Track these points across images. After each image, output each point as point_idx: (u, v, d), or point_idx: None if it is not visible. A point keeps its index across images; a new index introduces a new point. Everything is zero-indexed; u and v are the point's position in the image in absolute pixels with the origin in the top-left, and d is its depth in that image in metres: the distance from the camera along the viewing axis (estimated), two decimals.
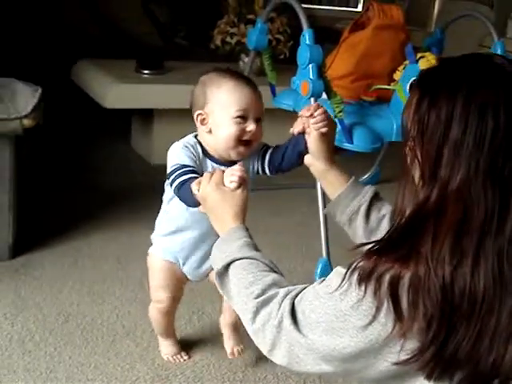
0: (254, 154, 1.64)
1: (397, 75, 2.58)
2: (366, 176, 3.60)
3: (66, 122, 3.78)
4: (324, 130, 1.47)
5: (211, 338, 2.04)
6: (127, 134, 3.93)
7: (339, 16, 5.66)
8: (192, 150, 1.57)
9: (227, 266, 1.23)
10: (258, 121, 1.56)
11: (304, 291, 1.11)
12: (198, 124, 1.58)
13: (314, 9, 5.63)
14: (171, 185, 1.52)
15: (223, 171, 1.36)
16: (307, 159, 1.52)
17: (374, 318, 0.99)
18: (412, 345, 0.97)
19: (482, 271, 0.95)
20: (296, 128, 1.52)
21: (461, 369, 0.97)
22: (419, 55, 2.47)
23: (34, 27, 3.97)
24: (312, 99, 2.37)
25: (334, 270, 1.09)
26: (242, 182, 1.34)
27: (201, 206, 1.39)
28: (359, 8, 6.12)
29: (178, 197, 1.52)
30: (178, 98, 3.45)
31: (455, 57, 1.08)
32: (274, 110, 2.84)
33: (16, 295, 2.18)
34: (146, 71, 3.58)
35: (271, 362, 1.16)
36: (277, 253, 2.47)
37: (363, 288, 1.00)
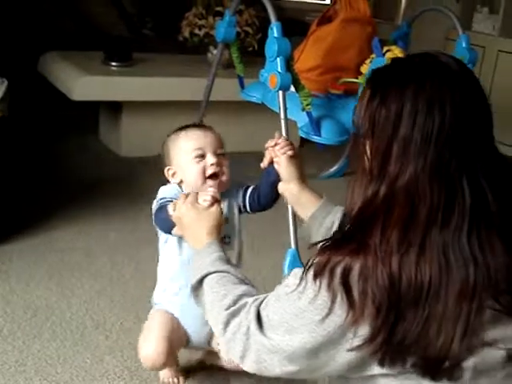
0: (236, 193, 1.73)
1: (364, 68, 2.61)
2: (333, 168, 3.63)
3: (33, 114, 3.75)
4: (290, 152, 1.57)
5: None
6: (95, 126, 3.91)
7: (308, 8, 5.67)
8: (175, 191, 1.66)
9: (201, 280, 1.27)
10: (217, 154, 1.66)
11: (268, 298, 1.15)
12: (170, 179, 1.69)
13: (282, 1, 5.64)
14: (153, 214, 1.62)
15: (197, 193, 1.44)
16: (281, 186, 1.60)
17: (330, 310, 1.03)
18: (364, 331, 1.01)
19: (427, 261, 0.99)
20: (265, 161, 1.61)
21: (411, 354, 1.01)
22: (386, 48, 2.50)
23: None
24: (280, 92, 2.39)
25: (292, 272, 1.14)
26: (215, 201, 1.42)
27: (176, 228, 1.47)
28: (328, 0, 6.15)
29: (155, 221, 1.61)
30: (146, 90, 3.45)
31: (404, 56, 1.14)
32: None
33: None
34: (113, 63, 3.56)
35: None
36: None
37: (318, 283, 1.04)
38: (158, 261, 2.39)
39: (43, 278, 2.28)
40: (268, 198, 1.69)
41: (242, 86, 2.97)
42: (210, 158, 1.65)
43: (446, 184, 1.00)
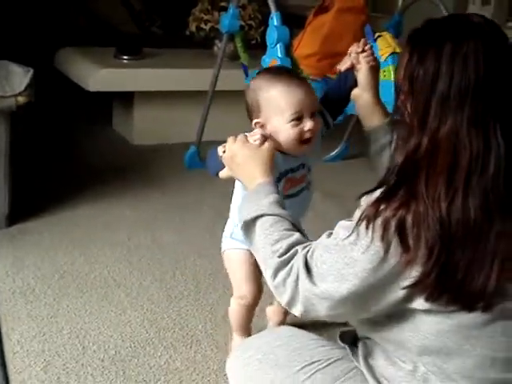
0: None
1: None
2: (334, 152, 3.84)
3: (51, 106, 3.97)
4: (374, 63, 1.63)
5: None
6: (109, 116, 4.14)
7: (309, 4, 5.88)
8: None
9: (255, 219, 1.30)
10: (313, 115, 1.57)
11: (313, 247, 1.22)
12: None
13: None
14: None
15: (245, 134, 1.44)
16: (356, 91, 1.65)
17: (383, 259, 1.12)
18: (417, 272, 1.11)
19: (471, 204, 1.08)
20: (344, 65, 1.65)
21: (456, 289, 1.11)
22: (377, 34, 2.72)
23: (18, 16, 4.16)
24: None
25: (338, 224, 1.22)
26: (265, 139, 1.42)
27: (223, 170, 1.47)
28: None
29: (206, 165, 1.57)
30: (156, 81, 3.68)
31: (440, 17, 1.22)
32: None
33: (15, 257, 2.40)
34: (125, 57, 3.79)
35: None
36: None
37: (370, 234, 1.12)
38: (171, 234, 2.65)
39: (68, 248, 2.51)
40: (342, 102, 1.69)
41: (247, 74, 3.19)
42: (308, 123, 1.55)
43: (483, 134, 1.09)
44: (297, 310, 1.23)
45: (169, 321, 2.08)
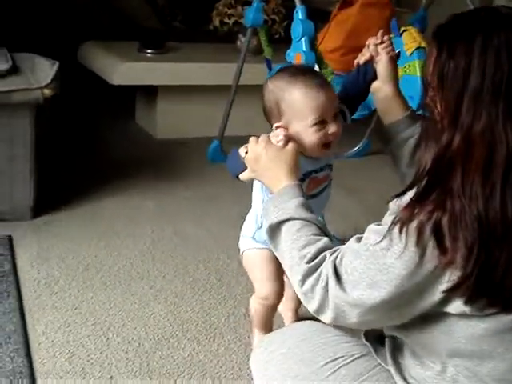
0: None
1: None
2: (356, 148, 3.82)
3: (75, 99, 3.99)
4: (393, 53, 1.62)
5: None
6: (132, 110, 4.15)
7: None
8: None
9: (281, 223, 1.28)
10: (335, 117, 1.55)
11: (342, 252, 1.19)
12: None
13: None
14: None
15: (268, 135, 1.42)
16: (375, 84, 1.63)
17: (418, 264, 1.08)
18: (456, 274, 1.07)
19: (509, 200, 1.05)
20: (362, 58, 1.64)
21: (495, 290, 1.08)
22: (403, 29, 2.70)
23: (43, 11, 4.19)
24: None
25: (368, 229, 1.18)
26: (288, 139, 1.40)
27: (245, 172, 1.45)
28: None
29: (227, 167, 1.54)
30: (179, 75, 3.69)
31: (466, 11, 1.18)
32: None
33: (40, 248, 2.41)
34: (148, 51, 3.80)
35: None
36: None
37: (404, 239, 1.08)
38: (194, 227, 2.65)
39: (92, 241, 2.52)
40: (361, 96, 1.66)
41: (270, 68, 3.18)
42: (332, 127, 1.53)
43: None
44: (326, 317, 1.21)
45: (192, 314, 2.09)
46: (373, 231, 1.17)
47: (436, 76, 1.13)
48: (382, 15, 2.88)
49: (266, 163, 1.38)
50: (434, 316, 1.17)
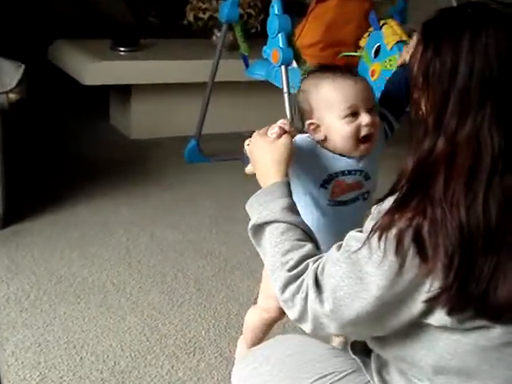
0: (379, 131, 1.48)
1: (362, 42, 2.72)
2: None
3: (45, 101, 3.87)
4: None
5: None
6: (105, 110, 4.03)
7: None
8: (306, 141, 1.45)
9: (266, 224, 1.22)
10: (371, 110, 1.42)
11: (323, 261, 1.13)
12: (312, 134, 1.45)
13: None
14: None
15: (267, 127, 1.35)
16: None
17: (398, 274, 1.02)
18: (437, 284, 1.02)
19: (492, 206, 1.00)
20: (407, 56, 1.47)
21: (479, 301, 1.02)
22: (382, 22, 2.62)
23: (9, 9, 4.05)
24: (283, 67, 2.51)
25: (349, 236, 1.12)
26: (283, 132, 1.31)
27: (249, 166, 1.38)
28: None
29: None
30: (154, 73, 3.57)
31: (453, 6, 1.12)
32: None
33: (10, 260, 2.30)
34: (121, 49, 3.68)
35: None
36: None
37: (383, 247, 1.03)
38: (170, 232, 2.55)
39: (65, 250, 2.41)
40: (405, 100, 1.48)
41: (247, 64, 3.09)
42: (365, 117, 1.39)
43: (506, 129, 1.01)
44: (306, 328, 1.14)
45: (170, 327, 1.99)
46: (354, 239, 1.10)
47: (421, 75, 1.06)
48: (361, 8, 2.79)
49: (257, 156, 1.33)
50: (416, 331, 1.11)
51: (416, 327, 1.10)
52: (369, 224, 1.09)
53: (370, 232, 1.06)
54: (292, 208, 1.25)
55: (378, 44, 2.59)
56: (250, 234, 1.25)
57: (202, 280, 2.27)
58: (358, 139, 1.41)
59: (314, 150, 1.44)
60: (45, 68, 3.78)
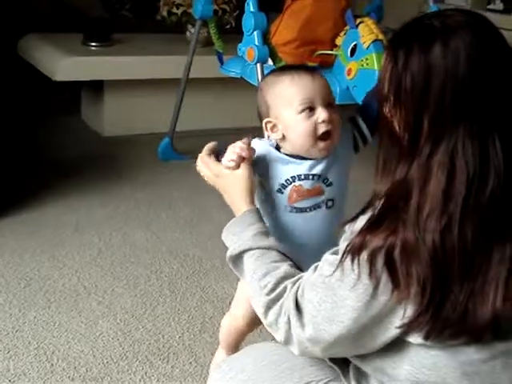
0: (345, 135, 1.45)
1: (338, 40, 2.69)
2: None
3: (13, 97, 3.78)
4: None
5: None
6: (77, 106, 3.96)
7: None
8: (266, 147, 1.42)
9: (242, 253, 1.24)
10: (329, 106, 1.37)
11: (303, 284, 1.12)
12: (269, 134, 1.41)
13: None
14: None
15: (218, 155, 1.35)
16: None
17: (373, 296, 1.01)
18: (411, 310, 1.00)
19: (468, 231, 0.97)
20: None
21: (457, 324, 1.00)
22: (358, 20, 2.58)
23: None
24: (258, 65, 2.46)
25: (324, 258, 1.11)
26: (241, 161, 1.31)
27: (223, 160, 1.36)
28: None
29: None
30: (126, 69, 3.51)
31: (418, 17, 1.07)
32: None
33: None
34: (93, 44, 3.61)
35: None
36: None
37: (357, 270, 1.02)
38: (144, 233, 2.52)
39: (35, 252, 2.35)
40: None
41: (222, 61, 3.04)
42: (323, 113, 1.34)
43: (481, 148, 0.97)
44: (294, 350, 1.15)
45: (144, 332, 1.95)
46: (327, 262, 1.10)
47: (392, 92, 1.03)
48: (338, 6, 2.75)
49: (221, 190, 1.36)
50: (395, 345, 1.09)
51: (396, 342, 1.08)
52: (343, 244, 1.08)
53: (343, 255, 1.05)
54: (263, 232, 1.26)
55: (354, 43, 2.55)
56: (230, 265, 1.27)
57: (176, 282, 2.23)
58: (316, 137, 1.36)
59: (269, 156, 1.40)
60: (15, 63, 3.70)
